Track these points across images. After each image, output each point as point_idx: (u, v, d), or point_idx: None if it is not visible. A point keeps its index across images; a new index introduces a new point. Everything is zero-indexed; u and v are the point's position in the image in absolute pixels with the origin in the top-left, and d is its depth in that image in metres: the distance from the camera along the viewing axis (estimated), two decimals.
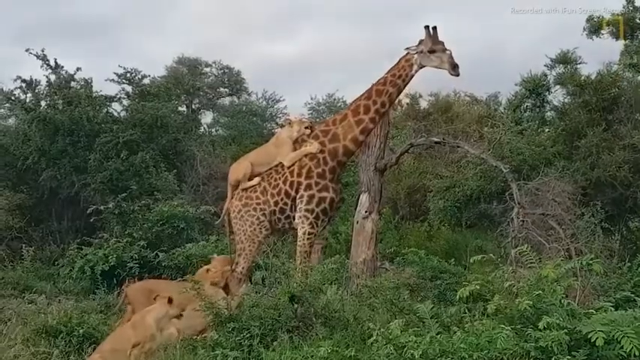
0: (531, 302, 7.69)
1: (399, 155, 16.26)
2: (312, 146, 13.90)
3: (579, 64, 23.98)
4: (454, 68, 13.51)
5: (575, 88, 22.62)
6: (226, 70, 40.22)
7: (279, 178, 14.08)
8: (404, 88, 14.54)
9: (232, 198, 14.70)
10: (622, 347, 7.25)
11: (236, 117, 38.22)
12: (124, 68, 26.36)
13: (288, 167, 14.01)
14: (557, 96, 24.22)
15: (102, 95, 24.47)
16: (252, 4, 56.52)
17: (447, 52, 13.44)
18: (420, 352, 7.26)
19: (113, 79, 26.22)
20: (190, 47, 62.15)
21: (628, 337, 7.23)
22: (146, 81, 27.11)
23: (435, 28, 13.57)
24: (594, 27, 25.46)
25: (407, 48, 13.97)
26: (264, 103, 40.98)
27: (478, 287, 8.34)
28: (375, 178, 15.64)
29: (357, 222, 15.21)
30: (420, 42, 13.88)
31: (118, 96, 25.28)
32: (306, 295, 10.75)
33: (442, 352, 7.30)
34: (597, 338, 7.20)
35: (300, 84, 56.96)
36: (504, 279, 8.82)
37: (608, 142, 21.07)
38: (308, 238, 13.73)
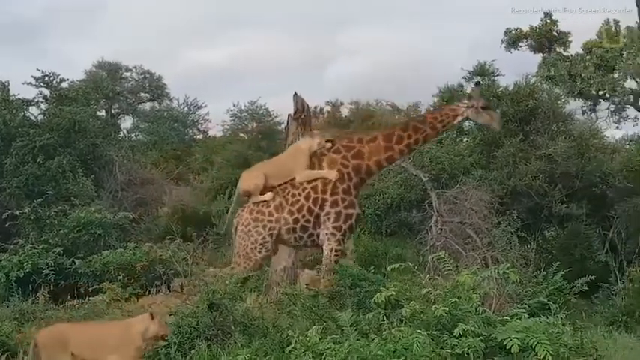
0: (447, 309, 7.78)
1: None
2: (330, 173, 13.37)
3: (497, 75, 24.50)
4: (502, 126, 14.01)
5: (492, 99, 23.06)
6: (147, 75, 39.85)
7: (299, 194, 13.41)
8: (441, 134, 14.92)
9: (241, 209, 13.84)
10: (536, 354, 7.39)
11: (157, 122, 37.91)
12: (42, 72, 25.98)
13: (310, 183, 13.38)
14: None
15: (19, 99, 24.03)
16: (179, 10, 56.10)
17: (498, 111, 13.89)
18: (339, 359, 7.29)
19: (31, 83, 25.82)
20: (115, 52, 61.23)
21: (542, 343, 7.37)
22: (65, 85, 26.74)
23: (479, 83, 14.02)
24: (512, 40, 25.98)
25: (458, 102, 14.26)
26: (186, 109, 40.72)
27: (394, 293, 8.40)
28: None
29: None
30: (470, 97, 14.08)
31: (35, 99, 24.88)
32: (225, 303, 10.69)
33: (360, 359, 7.34)
34: (512, 345, 7.33)
35: (224, 91, 56.72)
36: (421, 286, 8.91)
37: (525, 152, 21.55)
38: (335, 255, 13.19)
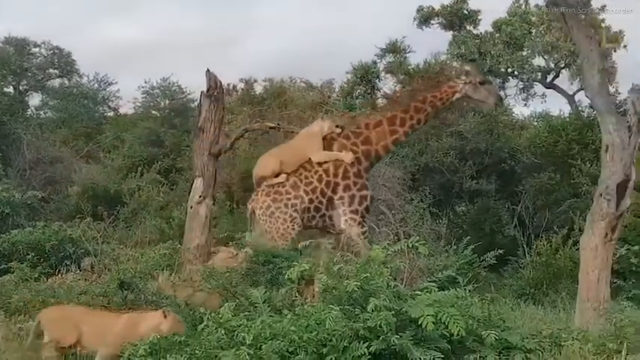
0: (359, 284, 7.85)
1: (234, 140, 16.32)
2: (346, 156, 13.92)
3: (408, 53, 24.67)
4: (500, 100, 14.39)
5: (404, 77, 23.27)
6: (56, 51, 38.89)
7: (312, 176, 13.99)
8: (441, 111, 15.55)
9: (255, 194, 14.43)
10: (447, 328, 7.51)
11: (66, 99, 37.12)
12: None
13: (321, 165, 13.96)
14: (388, 83, 24.85)
15: None
16: None
17: (494, 85, 14.28)
18: (251, 336, 7.29)
19: None
20: (25, 26, 59.46)
21: (454, 319, 7.50)
22: None
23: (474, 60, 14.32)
24: (424, 17, 26.15)
25: (457, 79, 14.81)
26: (96, 85, 39.98)
27: (307, 267, 8.44)
28: (210, 163, 15.60)
29: (191, 207, 15.15)
30: (467, 73, 14.69)
31: None
32: (136, 282, 10.61)
33: (273, 335, 7.35)
34: (427, 323, 7.42)
35: (135, 67, 55.71)
36: (334, 262, 8.97)
37: (436, 129, 21.83)
38: (365, 237, 13.67)
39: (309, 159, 14.17)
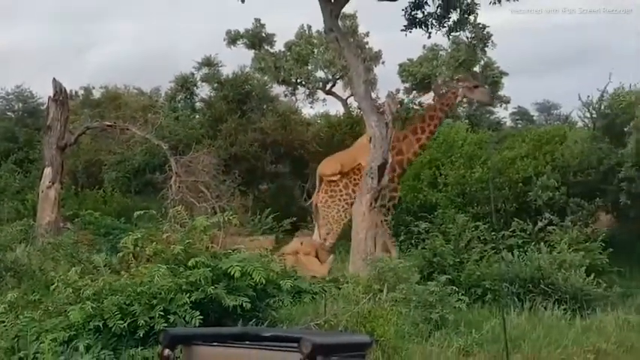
0: (183, 248, 7.78)
1: (77, 136, 15.87)
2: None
3: (220, 66, 24.62)
4: (492, 99, 14.86)
5: (217, 85, 23.25)
6: None
7: (359, 178, 14.00)
8: (450, 112, 15.97)
9: (319, 191, 14.81)
10: (252, 278, 7.56)
11: None
12: None
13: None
14: (204, 90, 24.79)
15: None
16: None
17: (486, 87, 14.91)
18: (93, 292, 7.06)
19: None
20: None
21: (257, 270, 7.57)
22: None
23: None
24: (232, 38, 26.18)
25: (456, 85, 15.11)
26: None
27: (141, 236, 8.26)
28: (57, 154, 15.16)
29: (42, 191, 14.66)
30: (464, 80, 15.09)
31: None
32: None
33: (112, 291, 7.15)
34: (235, 272, 7.45)
35: None
36: (163, 231, 8.84)
37: (244, 126, 21.88)
38: (386, 223, 13.96)
39: (359, 163, 14.35)
